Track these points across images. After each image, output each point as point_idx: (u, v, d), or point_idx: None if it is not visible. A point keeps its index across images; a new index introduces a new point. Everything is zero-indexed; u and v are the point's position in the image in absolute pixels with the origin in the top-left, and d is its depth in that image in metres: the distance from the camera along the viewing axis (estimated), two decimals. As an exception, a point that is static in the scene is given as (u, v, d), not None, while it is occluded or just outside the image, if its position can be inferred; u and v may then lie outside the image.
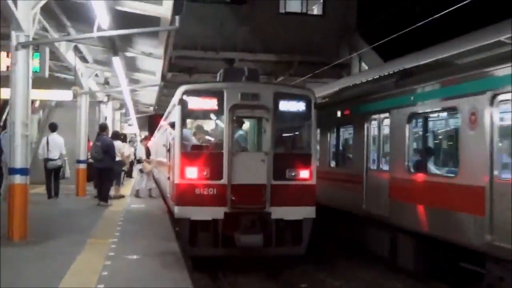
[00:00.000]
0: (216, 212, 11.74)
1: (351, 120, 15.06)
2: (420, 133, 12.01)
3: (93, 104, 24.44)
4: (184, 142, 12.34)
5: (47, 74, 13.78)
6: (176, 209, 12.03)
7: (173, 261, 9.83)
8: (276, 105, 12.25)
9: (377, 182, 13.05)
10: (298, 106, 12.60)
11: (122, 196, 20.28)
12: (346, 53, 28.64)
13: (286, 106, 12.46)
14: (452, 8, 15.20)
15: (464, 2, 14.85)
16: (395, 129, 12.32)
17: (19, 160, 10.82)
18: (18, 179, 10.84)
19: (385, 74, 18.02)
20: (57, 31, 15.39)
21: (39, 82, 16.29)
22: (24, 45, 10.76)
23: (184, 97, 12.18)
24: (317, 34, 29.49)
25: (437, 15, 16.07)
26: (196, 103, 12.31)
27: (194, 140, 13.14)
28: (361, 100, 14.40)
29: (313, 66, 27.52)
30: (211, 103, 12.27)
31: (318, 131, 17.09)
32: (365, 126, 13.84)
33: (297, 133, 13.82)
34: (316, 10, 32.04)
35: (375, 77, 18.68)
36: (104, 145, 17.26)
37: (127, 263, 9.52)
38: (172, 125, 12.72)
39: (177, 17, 11.31)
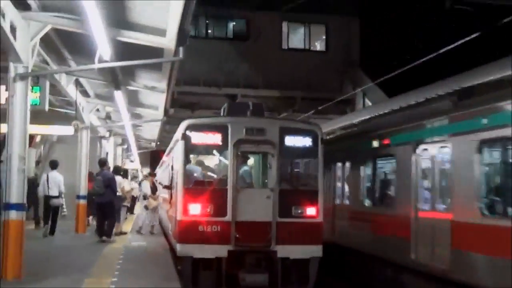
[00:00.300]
0: (220, 250, 11.36)
1: (393, 151, 12.76)
2: (498, 165, 9.32)
3: (95, 139, 24.04)
4: (193, 175, 12.17)
5: (47, 107, 13.40)
6: (178, 247, 11.65)
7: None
8: (282, 140, 11.96)
9: (432, 226, 10.65)
10: (304, 141, 12.29)
11: (123, 233, 19.69)
12: (349, 89, 28.44)
13: (292, 141, 12.16)
14: (455, 44, 14.91)
15: (467, 39, 14.60)
16: (458, 160, 10.01)
17: (15, 194, 10.30)
18: (13, 214, 10.29)
19: (436, 95, 15.81)
20: (58, 64, 15.03)
21: (40, 116, 15.96)
22: (22, 77, 10.36)
23: (187, 131, 11.90)
24: (320, 70, 29.42)
25: (440, 51, 15.79)
26: (199, 137, 12.04)
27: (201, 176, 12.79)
28: (406, 127, 12.32)
29: (316, 102, 27.28)
30: (215, 138, 11.99)
31: (348, 164, 15.58)
32: (413, 158, 11.57)
33: (303, 169, 13.33)
34: (318, 46, 32.01)
35: (425, 99, 16.40)
36: (105, 179, 16.91)
37: (126, 306, 8.90)
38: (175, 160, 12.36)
39: (181, 49, 11.00)
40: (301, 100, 29.48)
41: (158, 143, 37.38)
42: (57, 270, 11.55)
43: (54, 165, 18.27)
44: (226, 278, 11.37)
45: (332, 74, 30.04)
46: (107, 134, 25.83)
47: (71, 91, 16.92)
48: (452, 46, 15.15)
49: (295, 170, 13.35)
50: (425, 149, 11.30)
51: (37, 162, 20.07)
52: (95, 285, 10.25)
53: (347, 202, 15.65)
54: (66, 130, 20.37)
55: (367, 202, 14.34)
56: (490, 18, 14.14)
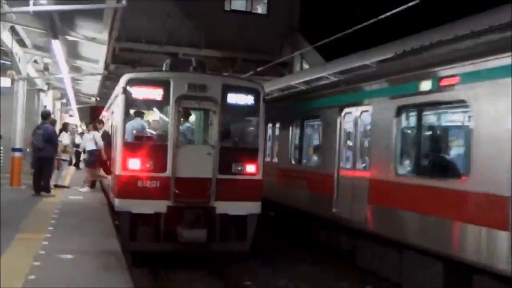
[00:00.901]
0: (159, 206, 10.89)
1: (462, 96, 8.16)
2: None
3: (32, 92, 22.60)
4: (133, 131, 11.48)
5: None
6: (117, 202, 11.09)
7: (113, 261, 8.49)
8: (224, 97, 11.45)
9: None
10: (246, 99, 11.84)
11: (65, 187, 18.73)
12: (288, 52, 28.12)
13: (234, 99, 11.67)
14: (393, 11, 14.49)
15: (407, 6, 14.25)
16: None
17: None
18: None
19: None
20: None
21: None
22: None
23: (128, 86, 11.25)
24: (261, 33, 28.93)
25: (376, 19, 15.39)
26: (140, 92, 11.37)
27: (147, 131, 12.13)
28: (496, 57, 7.54)
29: (256, 63, 26.80)
30: (156, 93, 11.36)
31: (368, 116, 10.86)
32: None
33: (244, 127, 12.79)
34: (260, 9, 31.47)
35: None
36: (46, 134, 15.76)
37: (59, 264, 8.07)
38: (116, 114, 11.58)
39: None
40: (242, 61, 28.98)
41: (98, 99, 36.13)
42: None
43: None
44: (164, 234, 10.94)
45: (273, 37, 29.60)
46: (45, 87, 24.40)
47: (6, 39, 15.56)
48: (389, 13, 14.74)
49: (237, 127, 12.79)
50: None
51: None
52: (26, 241, 9.38)
53: (360, 166, 11.18)
54: (2, 81, 18.98)
55: (402, 170, 9.72)
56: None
